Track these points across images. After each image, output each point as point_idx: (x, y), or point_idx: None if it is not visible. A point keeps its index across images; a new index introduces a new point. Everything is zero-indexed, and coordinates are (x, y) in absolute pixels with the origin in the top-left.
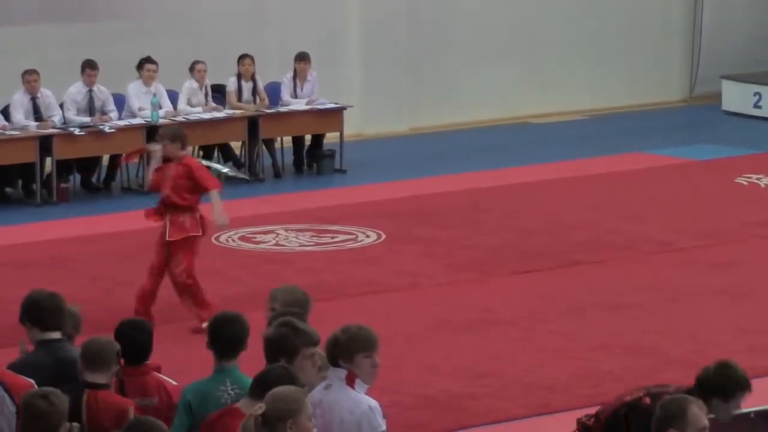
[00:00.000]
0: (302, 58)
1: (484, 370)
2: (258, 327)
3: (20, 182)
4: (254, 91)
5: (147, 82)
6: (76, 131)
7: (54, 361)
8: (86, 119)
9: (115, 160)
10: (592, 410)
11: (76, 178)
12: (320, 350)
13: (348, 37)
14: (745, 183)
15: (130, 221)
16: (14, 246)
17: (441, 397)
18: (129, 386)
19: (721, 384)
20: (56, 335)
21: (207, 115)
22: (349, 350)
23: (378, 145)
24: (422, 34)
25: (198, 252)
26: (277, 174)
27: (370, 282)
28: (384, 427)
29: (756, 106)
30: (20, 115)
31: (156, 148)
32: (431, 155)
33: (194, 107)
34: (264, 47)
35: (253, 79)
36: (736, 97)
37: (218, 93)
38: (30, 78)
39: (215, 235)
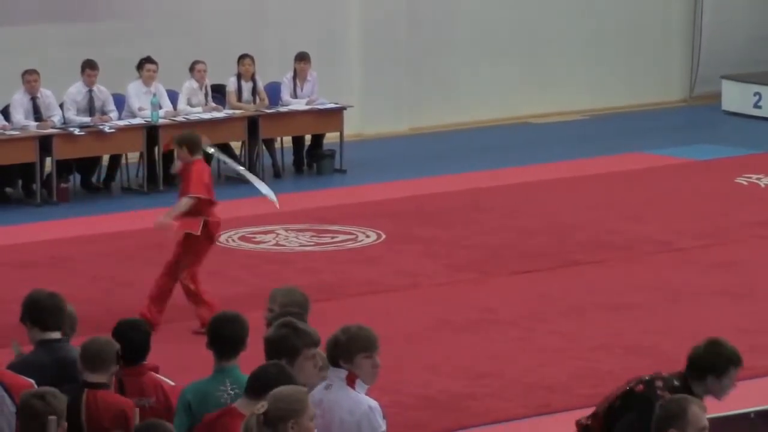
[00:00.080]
0: (302, 58)
1: (484, 370)
2: (258, 327)
3: (20, 182)
4: (254, 91)
5: (147, 82)
6: (76, 131)
7: (54, 361)
8: (86, 119)
9: (115, 160)
10: (591, 410)
11: (76, 178)
12: (320, 351)
13: (348, 37)
14: (745, 183)
15: (130, 221)
16: (14, 246)
17: (441, 397)
18: (127, 386)
19: (712, 361)
20: (56, 335)
21: (207, 115)
22: (349, 351)
23: (378, 145)
24: (422, 34)
25: (202, 260)
26: (277, 174)
27: (370, 282)
28: (384, 428)
29: (756, 106)
30: (20, 115)
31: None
32: (431, 155)
33: (194, 107)
34: (264, 47)
35: (253, 79)
36: (736, 97)
37: (218, 93)
38: (30, 78)
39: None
